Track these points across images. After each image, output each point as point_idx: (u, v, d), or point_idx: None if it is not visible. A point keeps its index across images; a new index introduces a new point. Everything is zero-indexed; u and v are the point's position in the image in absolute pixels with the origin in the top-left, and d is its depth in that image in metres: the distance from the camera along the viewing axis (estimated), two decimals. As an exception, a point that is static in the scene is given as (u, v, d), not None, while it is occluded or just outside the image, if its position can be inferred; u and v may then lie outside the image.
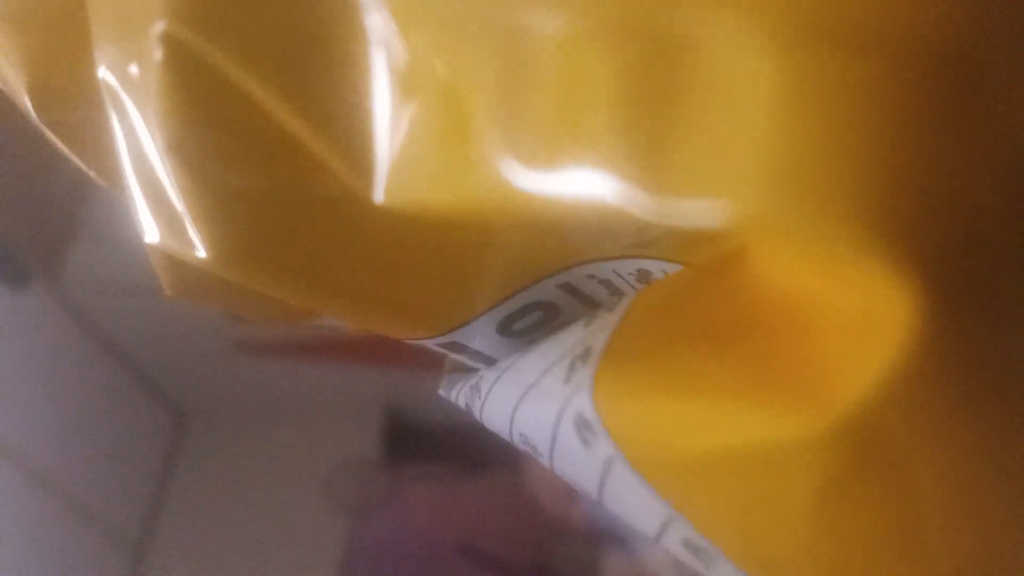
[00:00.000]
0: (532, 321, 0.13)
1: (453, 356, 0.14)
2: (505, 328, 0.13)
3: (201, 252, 0.11)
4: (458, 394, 0.15)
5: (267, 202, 0.11)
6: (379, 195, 0.11)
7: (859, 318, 0.08)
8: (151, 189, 0.11)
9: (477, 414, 0.14)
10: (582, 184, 0.09)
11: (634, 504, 0.10)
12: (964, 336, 0.08)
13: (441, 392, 0.16)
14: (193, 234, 0.11)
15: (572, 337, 0.11)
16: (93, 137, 0.13)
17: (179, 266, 0.12)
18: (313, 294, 0.12)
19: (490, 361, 0.14)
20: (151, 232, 0.11)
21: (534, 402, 0.11)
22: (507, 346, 0.13)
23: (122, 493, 0.82)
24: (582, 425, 0.10)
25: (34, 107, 0.13)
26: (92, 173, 0.14)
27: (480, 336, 0.13)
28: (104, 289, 0.74)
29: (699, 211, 0.08)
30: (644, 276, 0.11)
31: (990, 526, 0.09)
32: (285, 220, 0.11)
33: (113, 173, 0.12)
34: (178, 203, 0.11)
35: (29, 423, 0.69)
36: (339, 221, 0.11)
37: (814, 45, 0.08)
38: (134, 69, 0.11)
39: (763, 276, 0.09)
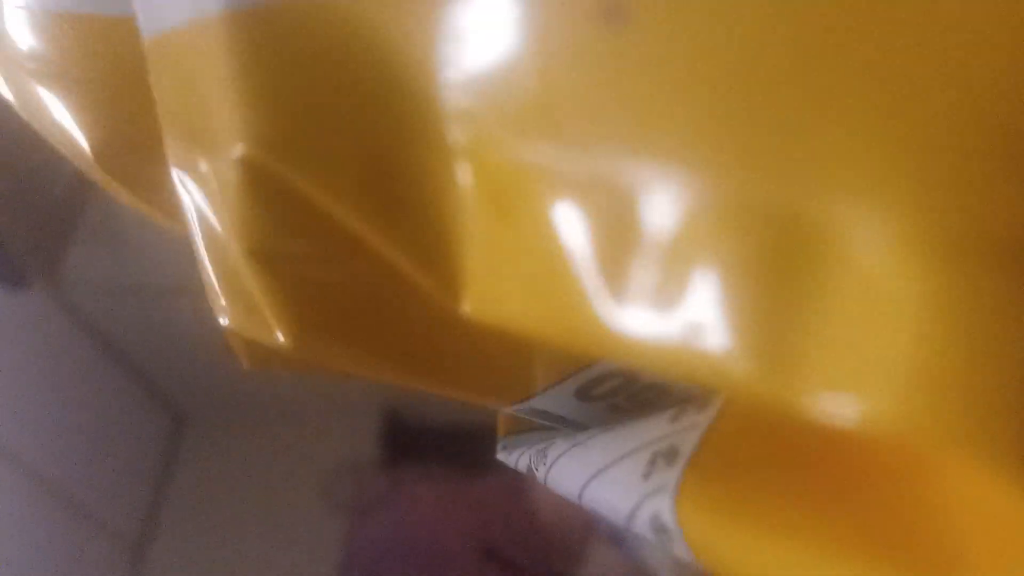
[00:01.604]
0: (612, 386, 0.12)
1: (533, 418, 0.14)
2: (584, 394, 0.13)
3: (279, 338, 0.11)
4: (518, 458, 0.14)
5: (349, 297, 0.11)
6: (465, 307, 0.10)
7: (1000, 529, 0.08)
8: (227, 276, 0.11)
9: (541, 478, 0.13)
10: (687, 346, 0.08)
11: None
12: None
13: (499, 456, 0.15)
14: (271, 320, 0.11)
15: (655, 429, 0.11)
16: (164, 188, 0.12)
17: (256, 346, 0.11)
18: (389, 375, 0.11)
19: (570, 424, 0.13)
20: (226, 316, 0.11)
21: (606, 486, 0.11)
22: (588, 410, 0.13)
23: (121, 494, 0.82)
24: (659, 529, 0.10)
25: (97, 160, 0.13)
26: (166, 222, 0.14)
27: (557, 402, 0.13)
28: (103, 290, 0.74)
29: (821, 409, 0.08)
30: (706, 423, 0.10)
31: None
32: (366, 313, 0.11)
33: (187, 221, 0.12)
34: (256, 293, 0.11)
35: (28, 424, 0.69)
36: (421, 320, 0.11)
37: (971, 259, 0.07)
38: (208, 172, 0.11)
39: (880, 466, 0.08)
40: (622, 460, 0.11)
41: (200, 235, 0.11)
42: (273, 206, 0.10)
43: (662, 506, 0.10)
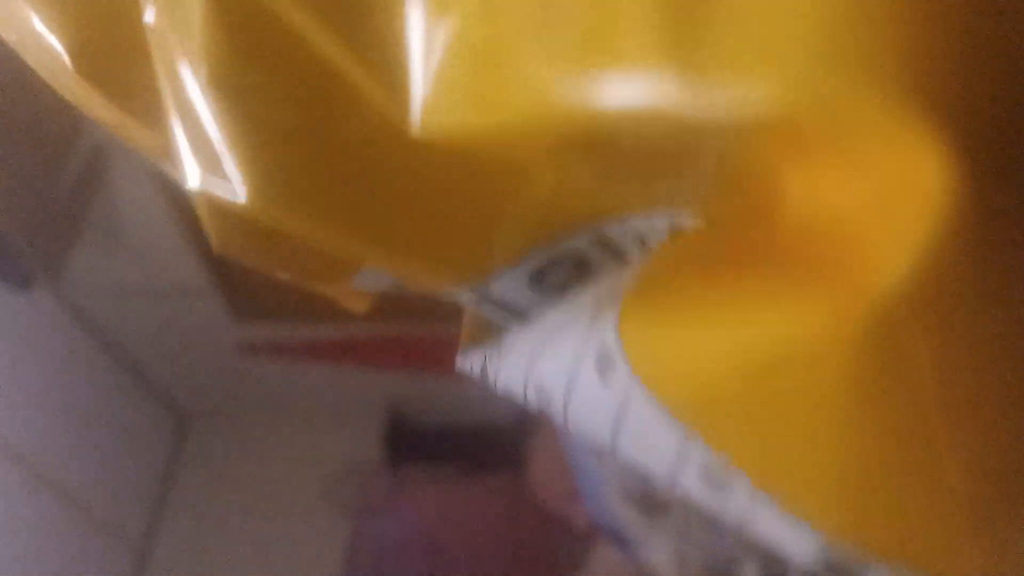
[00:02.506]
0: (564, 275, 0.13)
1: (484, 311, 0.14)
2: (537, 281, 0.13)
3: (241, 196, 0.11)
4: (473, 363, 0.15)
5: (306, 141, 0.11)
6: (416, 124, 0.11)
7: (891, 198, 0.08)
8: (192, 129, 0.11)
9: (492, 378, 0.14)
10: (622, 88, 0.09)
11: (650, 440, 0.10)
12: (998, 215, 0.08)
13: (457, 364, 0.16)
14: (233, 176, 0.11)
15: (599, 286, 0.11)
16: (139, 89, 0.13)
17: (223, 215, 0.12)
18: (349, 240, 0.12)
19: (521, 317, 0.14)
20: (192, 176, 0.11)
21: (554, 349, 0.12)
22: (539, 301, 0.13)
23: (124, 494, 0.83)
24: (603, 360, 0.10)
25: (75, 65, 0.13)
26: (140, 132, 0.14)
27: (512, 289, 0.13)
28: (107, 291, 0.74)
29: (737, 95, 0.08)
30: (678, 232, 0.11)
31: (1001, 426, 0.09)
32: (323, 161, 0.11)
33: (160, 124, 0.12)
34: (218, 143, 0.11)
35: (31, 424, 0.69)
36: (377, 159, 0.11)
37: None
38: (180, 10, 0.11)
39: (791, 196, 0.09)
40: (569, 322, 0.11)
41: (168, 89, 0.11)
42: (236, 22, 0.11)
43: (605, 335, 0.10)
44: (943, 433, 0.09)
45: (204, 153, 0.11)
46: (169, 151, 0.13)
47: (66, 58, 0.13)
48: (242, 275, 0.79)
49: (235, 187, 0.11)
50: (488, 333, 0.15)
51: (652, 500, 0.41)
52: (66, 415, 0.73)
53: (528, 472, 0.66)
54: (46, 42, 0.13)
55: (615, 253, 0.12)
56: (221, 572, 0.82)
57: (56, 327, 0.73)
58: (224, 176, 0.11)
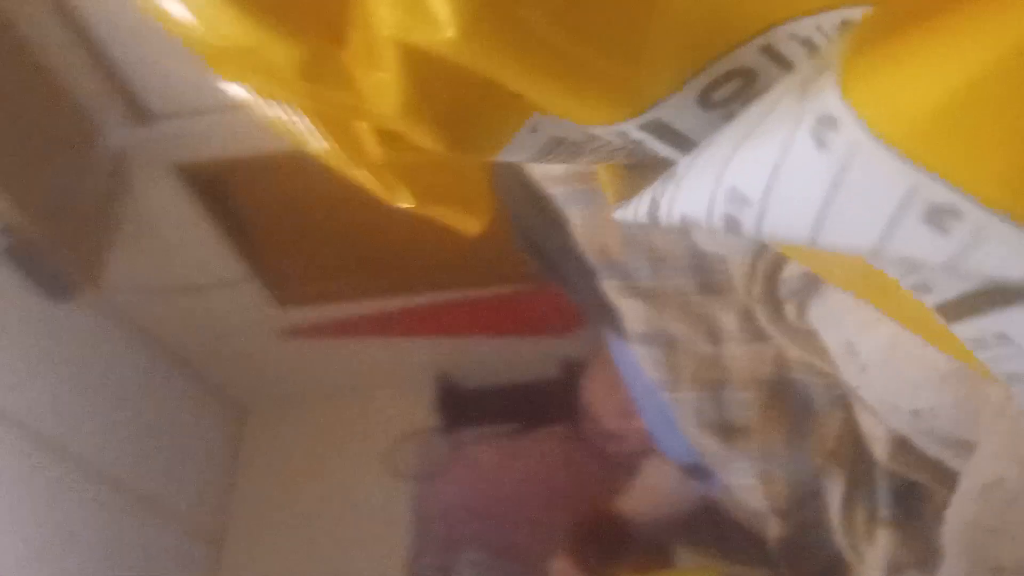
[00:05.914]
0: (732, 90, 0.13)
1: (648, 147, 0.14)
2: (705, 99, 0.13)
3: (448, 31, 0.12)
4: (638, 208, 0.15)
5: None
6: None
7: None
8: None
9: (666, 212, 0.14)
10: None
11: (870, 198, 0.10)
12: None
13: (616, 216, 0.16)
14: (440, 13, 0.12)
15: (791, 79, 0.11)
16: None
17: (420, 61, 0.12)
18: (535, 70, 0.12)
19: (690, 145, 0.14)
20: (392, 22, 0.12)
21: (753, 145, 0.11)
22: (708, 121, 0.14)
23: (194, 488, 0.84)
24: (823, 126, 0.10)
25: None
26: (276, 42, 0.14)
27: (682, 112, 0.13)
28: (148, 292, 0.75)
29: None
30: (848, 27, 0.11)
31: None
32: None
33: (298, 32, 0.13)
34: None
35: (96, 432, 0.70)
36: None
37: None
38: None
39: None
40: (770, 111, 0.11)
41: None
42: None
43: (825, 101, 0.10)
44: None
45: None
46: (303, 64, 0.13)
47: None
48: (278, 262, 0.79)
49: (441, 24, 0.12)
50: (641, 181, 0.15)
51: (730, 425, 0.41)
52: (130, 421, 0.75)
53: (583, 393, 0.66)
54: None
55: (781, 62, 0.13)
56: (296, 549, 0.83)
57: (104, 335, 0.74)
58: (429, 16, 0.12)
